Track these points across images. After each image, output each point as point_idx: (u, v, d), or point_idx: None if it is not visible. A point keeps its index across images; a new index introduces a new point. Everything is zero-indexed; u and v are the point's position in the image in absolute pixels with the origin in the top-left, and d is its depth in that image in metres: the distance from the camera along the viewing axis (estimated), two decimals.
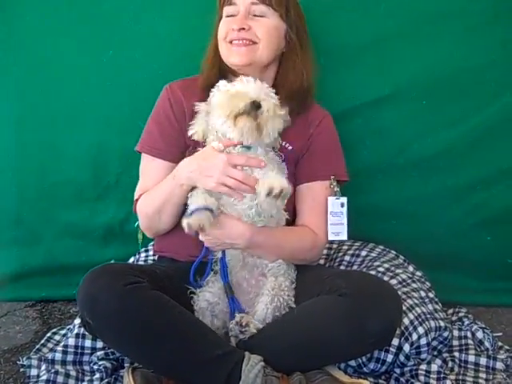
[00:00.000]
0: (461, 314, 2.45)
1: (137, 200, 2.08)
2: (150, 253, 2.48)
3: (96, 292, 1.72)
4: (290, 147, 2.08)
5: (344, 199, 2.09)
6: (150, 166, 2.11)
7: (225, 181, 1.84)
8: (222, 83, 1.94)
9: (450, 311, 2.49)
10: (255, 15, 2.03)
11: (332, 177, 2.09)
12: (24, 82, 2.54)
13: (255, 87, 1.89)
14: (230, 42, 2.04)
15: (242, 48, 2.02)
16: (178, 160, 1.99)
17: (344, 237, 2.10)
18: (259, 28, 2.02)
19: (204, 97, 2.01)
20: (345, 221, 2.09)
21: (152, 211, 2.02)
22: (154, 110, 2.14)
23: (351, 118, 2.46)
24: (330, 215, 2.08)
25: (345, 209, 2.08)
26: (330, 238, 2.09)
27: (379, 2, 2.42)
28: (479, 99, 2.50)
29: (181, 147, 2.06)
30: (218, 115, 1.88)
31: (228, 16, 2.07)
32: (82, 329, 2.01)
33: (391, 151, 2.56)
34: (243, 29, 2.01)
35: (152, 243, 2.40)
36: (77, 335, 2.06)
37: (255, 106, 1.82)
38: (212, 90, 1.97)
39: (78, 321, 2.11)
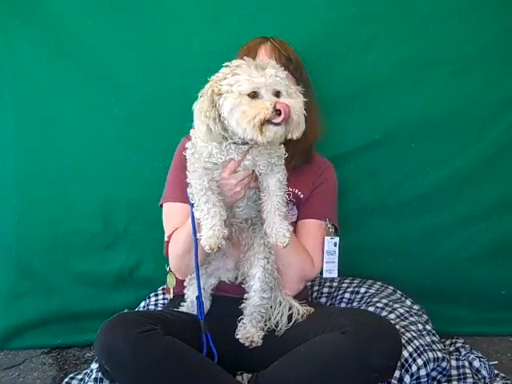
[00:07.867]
0: (458, 345, 2.50)
1: (167, 242, 2.09)
2: (160, 297, 2.53)
3: (112, 342, 1.79)
4: (302, 195, 2.21)
5: (337, 239, 2.17)
6: (171, 211, 2.15)
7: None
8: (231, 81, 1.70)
9: (448, 342, 2.54)
10: None
11: (327, 219, 2.20)
12: (33, 140, 2.62)
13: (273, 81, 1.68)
14: None
15: None
16: None
17: (335, 274, 2.18)
18: None
19: None
20: (337, 259, 2.17)
21: (182, 250, 2.01)
22: (172, 163, 2.20)
23: (344, 161, 2.55)
24: (325, 254, 2.15)
25: (337, 248, 2.17)
26: (325, 275, 2.16)
27: (365, 53, 2.53)
28: (464, 139, 2.61)
29: None
30: (235, 123, 1.69)
31: None
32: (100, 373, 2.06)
33: (384, 192, 2.66)
34: None
35: (161, 287, 2.50)
36: (95, 379, 2.11)
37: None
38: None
39: (95, 365, 2.16)
